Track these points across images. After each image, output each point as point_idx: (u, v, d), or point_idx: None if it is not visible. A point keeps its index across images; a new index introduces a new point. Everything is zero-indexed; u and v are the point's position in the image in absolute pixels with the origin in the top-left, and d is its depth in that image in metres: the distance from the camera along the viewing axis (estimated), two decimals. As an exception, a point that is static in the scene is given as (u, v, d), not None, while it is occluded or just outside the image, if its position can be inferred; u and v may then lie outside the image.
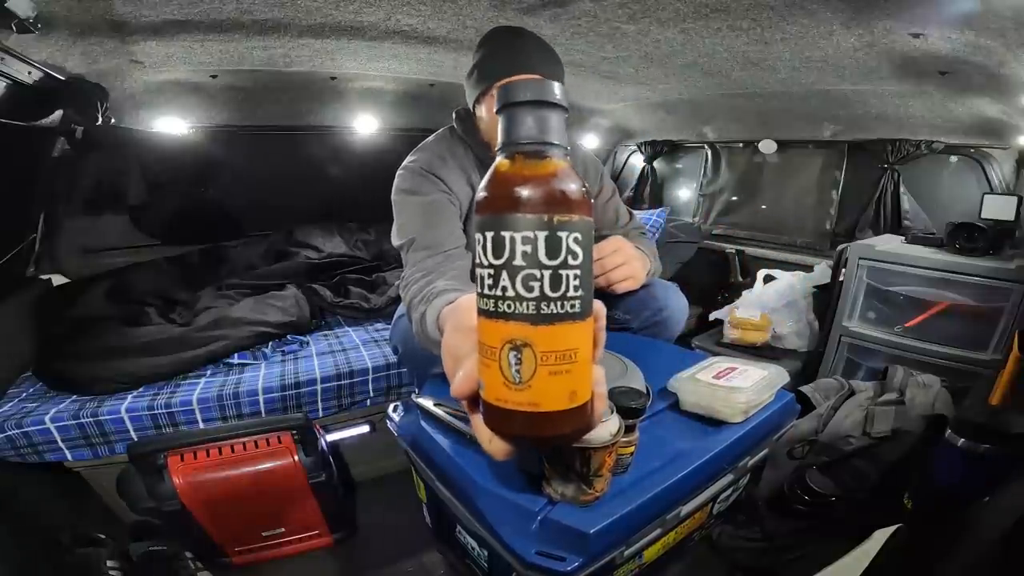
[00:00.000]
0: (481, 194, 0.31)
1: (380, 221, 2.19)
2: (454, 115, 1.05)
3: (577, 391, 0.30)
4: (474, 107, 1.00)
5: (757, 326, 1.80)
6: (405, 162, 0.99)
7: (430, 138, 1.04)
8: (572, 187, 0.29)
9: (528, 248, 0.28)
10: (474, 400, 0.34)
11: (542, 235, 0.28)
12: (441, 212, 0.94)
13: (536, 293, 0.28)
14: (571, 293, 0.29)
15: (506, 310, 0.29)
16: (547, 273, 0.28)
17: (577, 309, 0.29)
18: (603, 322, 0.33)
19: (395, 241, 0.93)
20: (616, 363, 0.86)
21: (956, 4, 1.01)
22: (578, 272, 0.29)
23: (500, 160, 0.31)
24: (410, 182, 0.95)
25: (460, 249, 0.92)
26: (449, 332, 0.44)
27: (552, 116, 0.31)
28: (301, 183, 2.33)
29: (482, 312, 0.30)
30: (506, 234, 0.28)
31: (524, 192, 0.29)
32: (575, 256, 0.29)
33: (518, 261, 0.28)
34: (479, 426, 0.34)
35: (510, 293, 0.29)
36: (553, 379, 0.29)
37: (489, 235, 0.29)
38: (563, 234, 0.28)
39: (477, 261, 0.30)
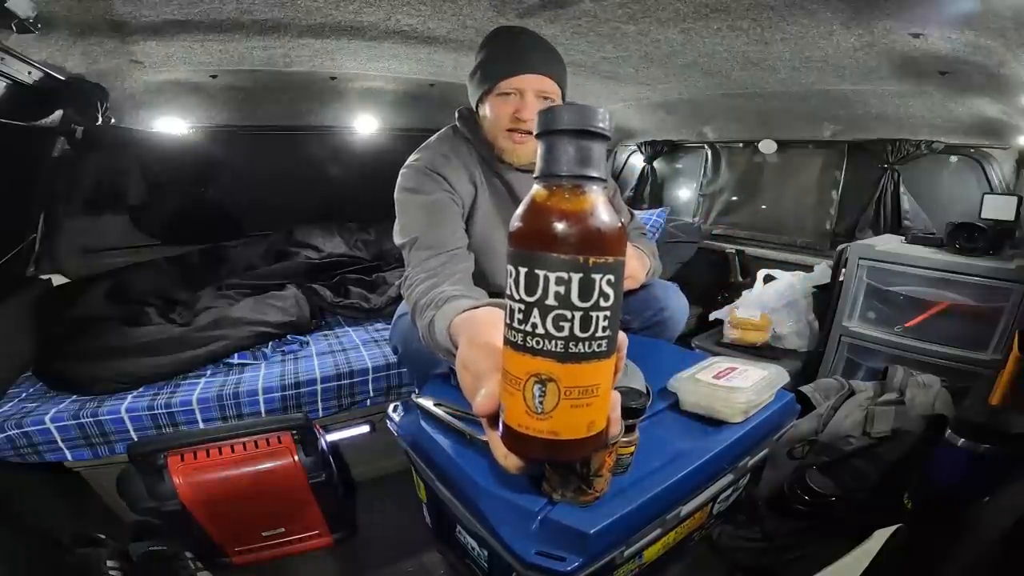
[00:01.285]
0: (516, 224, 0.30)
1: (380, 221, 2.21)
2: (456, 114, 1.05)
3: (595, 421, 0.31)
4: (477, 106, 1.00)
5: (757, 326, 1.80)
6: (409, 160, 0.99)
7: (433, 137, 1.04)
8: (610, 226, 0.29)
9: (561, 289, 0.28)
10: (494, 418, 0.35)
11: (576, 277, 0.28)
12: (444, 211, 0.94)
13: (565, 333, 0.28)
14: (599, 334, 0.29)
15: (534, 345, 0.29)
16: (578, 315, 0.28)
17: (603, 348, 0.29)
18: (624, 351, 0.34)
19: (397, 240, 0.94)
20: (616, 363, 0.86)
21: (956, 4, 1.01)
22: (608, 313, 0.29)
23: (537, 190, 0.30)
24: (414, 181, 0.95)
25: (463, 250, 0.92)
26: (465, 346, 0.44)
27: (595, 147, 0.30)
28: (301, 183, 2.33)
29: (509, 343, 0.30)
30: (540, 273, 0.28)
31: (561, 231, 0.28)
32: (607, 298, 0.29)
33: (550, 301, 0.28)
34: (495, 442, 0.35)
35: (540, 331, 0.29)
36: (574, 411, 0.30)
37: (523, 271, 0.29)
38: (597, 276, 0.28)
39: (508, 293, 0.30)
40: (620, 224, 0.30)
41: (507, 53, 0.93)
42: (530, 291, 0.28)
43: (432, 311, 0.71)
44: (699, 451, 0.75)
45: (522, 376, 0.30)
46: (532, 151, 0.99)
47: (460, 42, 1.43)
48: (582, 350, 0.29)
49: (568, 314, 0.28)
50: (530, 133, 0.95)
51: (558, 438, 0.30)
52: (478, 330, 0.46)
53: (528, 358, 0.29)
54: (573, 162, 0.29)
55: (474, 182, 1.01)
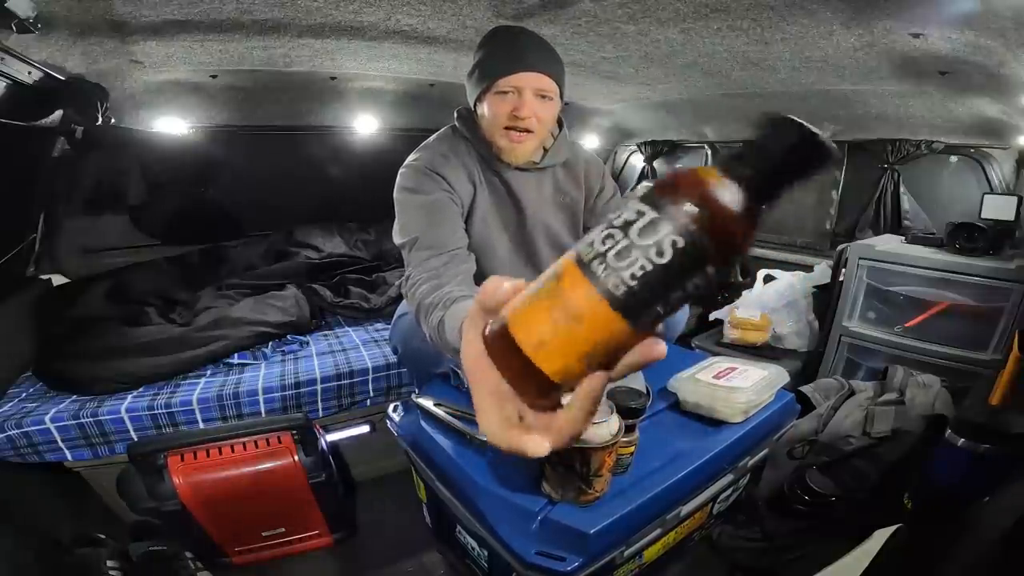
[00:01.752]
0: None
1: (380, 221, 2.20)
2: (456, 114, 1.05)
3: (549, 348, 0.28)
4: (475, 106, 1.00)
5: (757, 326, 1.80)
6: (408, 160, 0.99)
7: (432, 137, 1.04)
8: (720, 205, 0.27)
9: (631, 217, 0.28)
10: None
11: (650, 214, 0.27)
12: (443, 211, 0.94)
13: (603, 249, 0.28)
14: (625, 275, 0.27)
15: (580, 249, 0.29)
16: (624, 243, 0.27)
17: (618, 294, 0.27)
18: (641, 358, 0.31)
19: (397, 239, 0.94)
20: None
21: (956, 4, 1.01)
22: (651, 269, 0.27)
23: (716, 162, 0.30)
24: (413, 180, 0.96)
25: (463, 250, 0.92)
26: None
27: (785, 177, 0.28)
28: (301, 183, 2.33)
29: (574, 249, 0.30)
30: (633, 201, 0.29)
31: (675, 182, 0.28)
32: (661, 255, 0.26)
33: (617, 223, 0.28)
34: (479, 415, 0.33)
35: (590, 238, 0.29)
36: (539, 313, 0.29)
37: (633, 200, 0.29)
38: (668, 226, 0.27)
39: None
40: (734, 212, 0.27)
41: (505, 52, 0.93)
42: (618, 214, 0.29)
43: (440, 311, 0.71)
44: (699, 451, 0.75)
45: (551, 272, 0.30)
46: (530, 150, 0.98)
47: (460, 42, 1.43)
48: (598, 271, 0.27)
49: (618, 236, 0.27)
50: (528, 131, 0.95)
51: (503, 324, 0.29)
52: None
53: (568, 261, 0.29)
54: (752, 163, 0.28)
55: (473, 181, 1.01)
